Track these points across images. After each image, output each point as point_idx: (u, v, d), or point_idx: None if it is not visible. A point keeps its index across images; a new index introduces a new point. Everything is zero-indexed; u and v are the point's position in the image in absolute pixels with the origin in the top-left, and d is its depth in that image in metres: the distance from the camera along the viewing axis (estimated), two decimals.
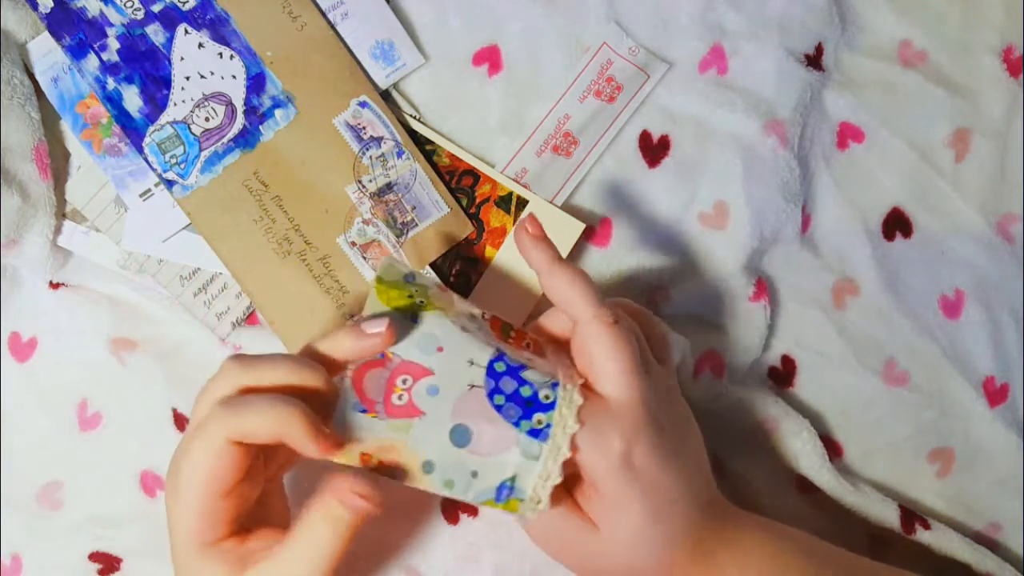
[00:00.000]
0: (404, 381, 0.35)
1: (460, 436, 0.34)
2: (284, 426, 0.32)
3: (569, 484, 0.37)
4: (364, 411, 0.34)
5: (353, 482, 0.33)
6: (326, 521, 0.33)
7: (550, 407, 0.34)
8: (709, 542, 0.38)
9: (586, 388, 0.36)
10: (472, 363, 0.35)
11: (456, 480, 0.34)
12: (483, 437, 0.34)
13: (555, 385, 0.35)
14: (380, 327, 0.35)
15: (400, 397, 0.35)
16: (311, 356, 0.36)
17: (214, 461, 0.33)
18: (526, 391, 0.35)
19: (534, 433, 0.34)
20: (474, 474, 0.34)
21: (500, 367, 0.35)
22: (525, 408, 0.35)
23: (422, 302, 0.37)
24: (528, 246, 0.38)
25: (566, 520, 0.36)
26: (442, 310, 0.37)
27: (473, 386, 0.35)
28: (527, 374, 0.35)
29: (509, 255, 0.46)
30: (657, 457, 0.35)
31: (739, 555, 0.38)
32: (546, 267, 0.37)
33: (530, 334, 0.39)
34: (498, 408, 0.35)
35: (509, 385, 0.35)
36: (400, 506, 0.47)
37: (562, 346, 0.39)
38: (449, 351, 0.36)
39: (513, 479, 0.34)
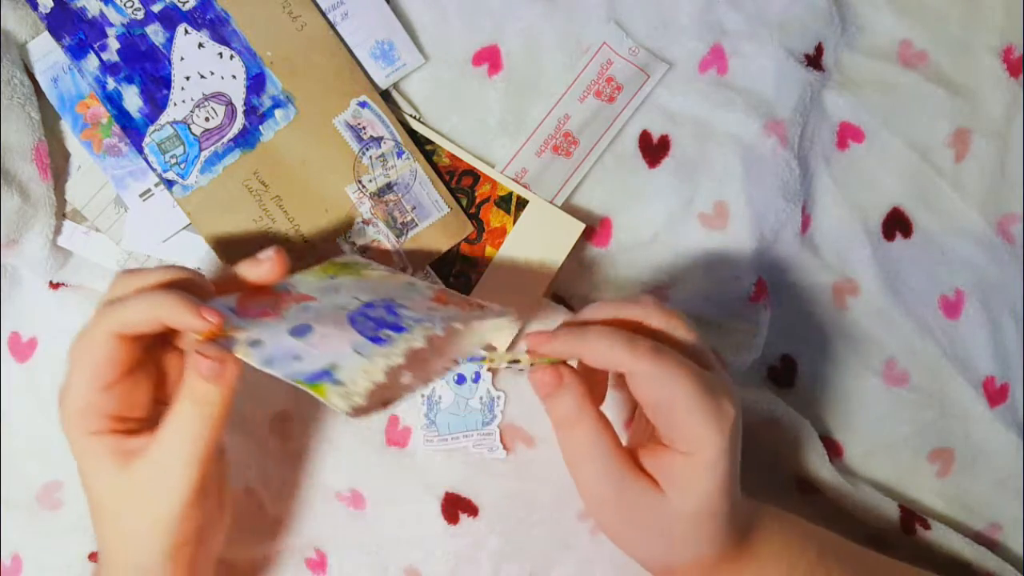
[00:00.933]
0: (288, 302, 0.36)
1: (299, 331, 0.34)
2: (160, 308, 0.34)
3: (636, 454, 0.37)
4: (233, 310, 0.35)
5: (201, 355, 0.34)
6: (191, 403, 0.34)
7: (403, 329, 0.34)
8: (748, 532, 0.38)
9: (663, 349, 0.35)
10: (356, 299, 0.36)
11: (276, 359, 0.33)
12: (322, 335, 0.34)
13: (423, 321, 0.35)
14: (271, 253, 0.37)
15: (273, 309, 0.36)
16: (217, 285, 0.38)
17: (93, 352, 0.35)
18: (390, 318, 0.35)
19: (375, 340, 0.33)
20: (297, 358, 0.33)
21: (380, 304, 0.36)
22: (378, 325, 0.34)
23: (351, 272, 0.39)
24: (549, 352, 0.37)
25: (632, 481, 0.36)
26: (364, 278, 0.38)
27: (343, 309, 0.35)
28: (403, 310, 0.35)
29: (509, 255, 0.46)
30: (740, 431, 0.36)
31: (775, 544, 0.39)
32: (576, 348, 0.36)
33: (476, 302, 0.39)
34: (352, 321, 0.34)
35: (377, 312, 0.35)
36: (400, 506, 0.47)
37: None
38: (343, 294, 0.37)
39: (333, 367, 0.32)
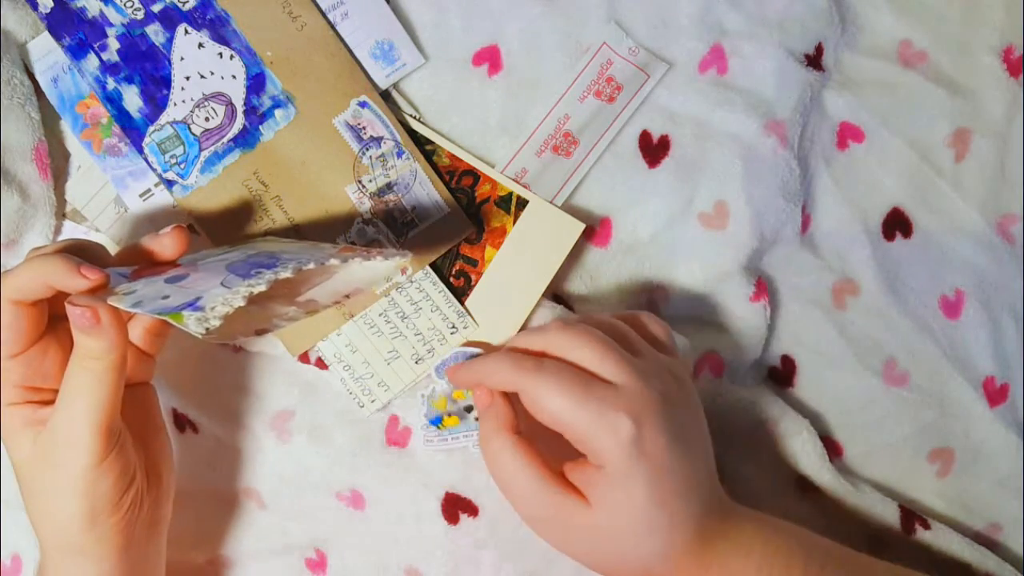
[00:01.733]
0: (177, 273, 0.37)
1: (174, 279, 0.35)
2: (44, 270, 0.34)
3: (566, 471, 0.38)
4: (125, 278, 0.36)
5: (72, 305, 0.34)
6: (78, 362, 0.35)
7: (272, 266, 0.34)
8: (710, 534, 0.38)
9: (544, 361, 0.37)
10: (245, 253, 0.37)
11: (145, 300, 0.33)
12: (193, 278, 0.34)
13: (299, 258, 0.35)
14: (169, 229, 0.38)
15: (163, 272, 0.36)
16: (119, 257, 0.38)
17: None
18: (268, 261, 0.35)
19: (245, 276, 0.34)
20: (165, 297, 0.33)
21: (265, 257, 0.36)
22: (253, 267, 0.35)
23: (253, 243, 0.40)
24: (457, 383, 0.42)
25: (560, 499, 0.37)
26: (260, 244, 0.39)
27: (226, 261, 0.36)
28: (285, 255, 0.36)
29: (509, 255, 0.46)
30: (665, 440, 0.36)
31: (741, 548, 0.39)
32: (477, 378, 0.40)
33: (377, 251, 0.39)
34: (229, 267, 0.35)
35: (258, 259, 0.36)
36: (400, 506, 0.47)
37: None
38: (236, 252, 0.37)
39: (197, 299, 0.33)
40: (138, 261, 0.38)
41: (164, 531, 0.42)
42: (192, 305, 0.32)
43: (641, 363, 0.38)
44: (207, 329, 0.31)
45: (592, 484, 0.37)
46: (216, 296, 0.32)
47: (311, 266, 0.35)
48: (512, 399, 0.40)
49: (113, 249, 0.46)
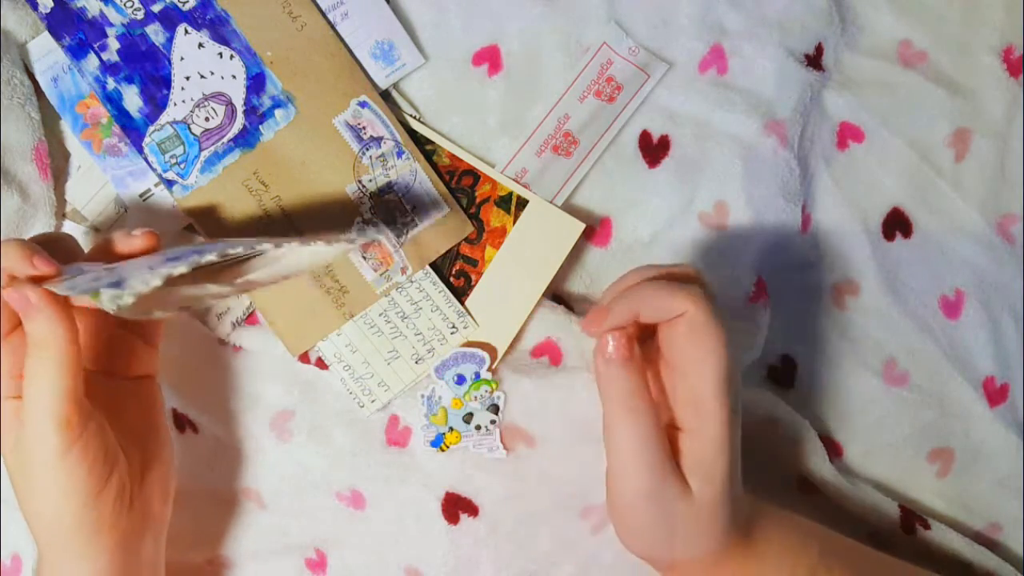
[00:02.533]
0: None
1: (112, 270, 0.35)
2: (3, 255, 0.34)
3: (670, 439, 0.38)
4: (82, 273, 0.36)
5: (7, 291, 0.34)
6: (32, 351, 0.34)
7: (206, 252, 0.35)
8: (747, 526, 0.39)
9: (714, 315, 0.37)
10: (191, 247, 0.37)
11: (78, 285, 0.33)
12: (131, 263, 0.35)
13: (228, 246, 0.35)
14: (142, 231, 0.38)
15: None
16: (91, 252, 0.38)
17: None
18: (206, 248, 0.35)
19: (172, 260, 0.34)
20: (96, 279, 0.33)
21: (209, 246, 0.36)
22: (190, 252, 0.35)
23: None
24: (611, 325, 0.38)
25: (668, 470, 0.37)
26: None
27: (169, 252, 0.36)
28: (221, 243, 0.36)
29: (509, 255, 0.46)
30: (737, 415, 0.38)
31: (777, 545, 0.40)
32: (631, 308, 0.38)
33: (321, 237, 0.39)
34: (165, 256, 0.35)
35: (198, 247, 0.36)
36: (400, 506, 0.47)
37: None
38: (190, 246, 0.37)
39: (120, 280, 0.33)
40: (108, 258, 0.38)
41: (163, 531, 0.42)
42: (116, 284, 0.32)
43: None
44: (118, 306, 0.32)
45: (687, 455, 0.37)
46: (138, 277, 0.33)
47: (238, 250, 0.35)
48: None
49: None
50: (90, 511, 0.36)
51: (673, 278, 0.39)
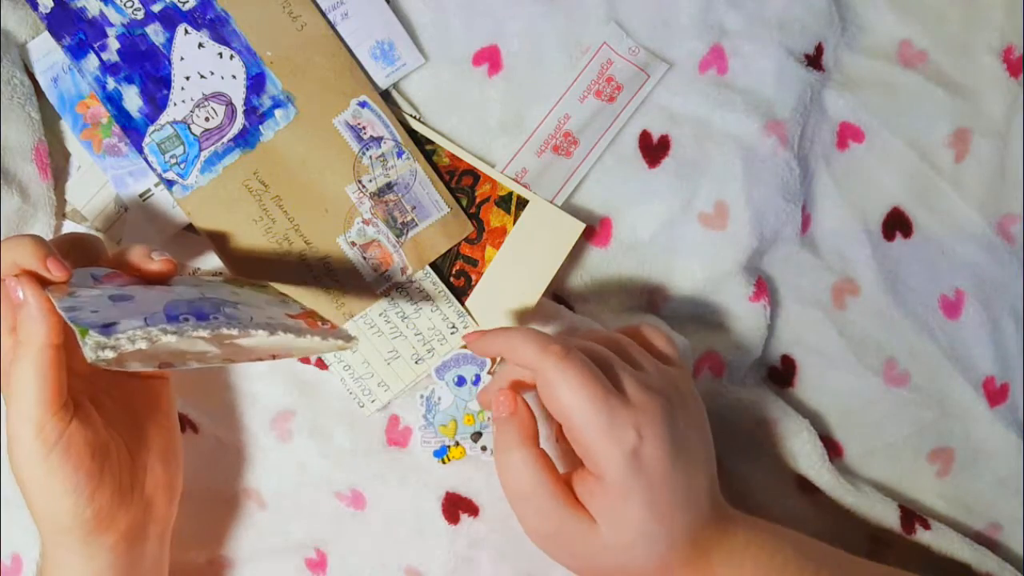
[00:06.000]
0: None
1: (118, 298, 0.35)
2: (15, 250, 0.34)
3: (571, 481, 0.37)
4: (94, 280, 0.36)
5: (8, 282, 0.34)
6: (19, 352, 0.34)
7: (206, 318, 0.34)
8: (705, 544, 0.38)
9: (572, 353, 0.36)
10: (201, 293, 0.37)
11: (77, 307, 0.33)
12: (134, 300, 0.34)
13: (240, 322, 0.35)
14: (161, 257, 0.38)
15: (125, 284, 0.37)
16: (114, 257, 0.38)
17: None
18: (206, 310, 0.35)
19: (172, 318, 0.34)
20: (94, 311, 0.33)
21: (214, 303, 0.36)
22: (188, 313, 0.35)
23: (232, 286, 0.40)
24: (479, 351, 0.41)
25: (568, 515, 0.36)
26: (234, 290, 0.40)
27: (173, 295, 0.36)
28: (227, 308, 0.36)
29: (509, 255, 0.46)
30: (666, 455, 0.36)
31: (735, 554, 0.38)
32: (501, 346, 0.39)
33: (338, 330, 0.39)
34: (167, 304, 0.35)
35: (200, 305, 0.36)
36: (400, 506, 0.47)
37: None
38: (198, 290, 0.38)
39: (113, 324, 0.32)
40: (123, 268, 0.38)
41: (167, 530, 0.42)
42: (105, 328, 0.32)
43: (644, 376, 0.38)
44: (98, 357, 0.31)
45: (592, 495, 0.36)
46: (128, 330, 0.32)
47: (233, 331, 0.34)
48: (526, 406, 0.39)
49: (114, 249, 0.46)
50: (84, 509, 0.36)
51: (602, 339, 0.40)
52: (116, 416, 0.39)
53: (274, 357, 0.37)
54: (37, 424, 0.35)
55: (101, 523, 0.37)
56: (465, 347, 0.45)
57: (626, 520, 0.36)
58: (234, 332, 0.34)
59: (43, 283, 0.35)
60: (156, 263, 0.38)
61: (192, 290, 0.38)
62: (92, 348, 0.31)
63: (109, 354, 0.31)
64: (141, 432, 0.40)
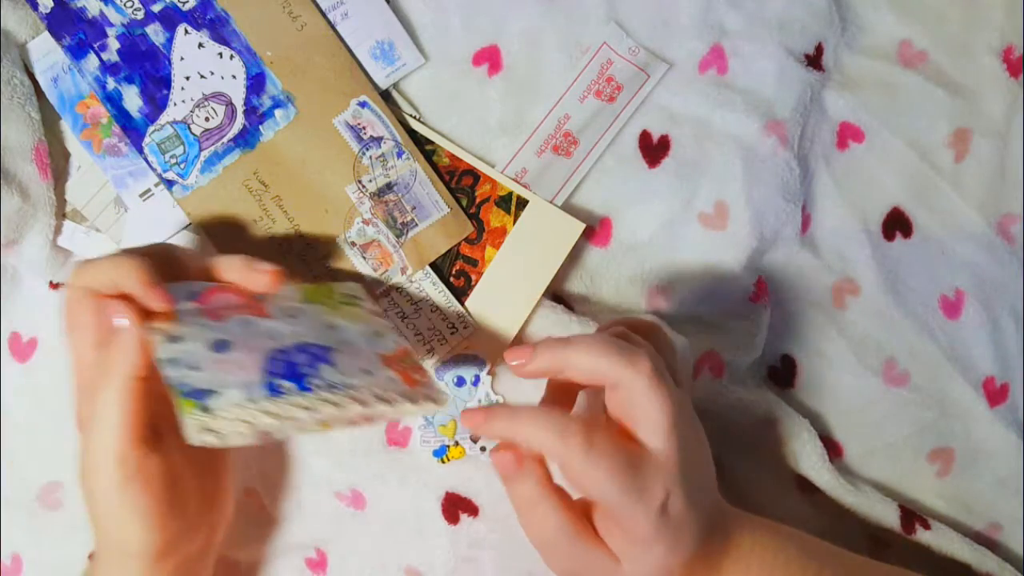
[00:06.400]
0: (243, 311, 0.37)
1: (220, 345, 0.34)
2: (119, 271, 0.34)
3: (590, 514, 0.37)
4: (195, 299, 0.36)
5: (110, 305, 0.34)
6: (104, 380, 0.34)
7: (307, 389, 0.34)
8: (714, 553, 0.38)
9: (595, 440, 0.34)
10: (297, 335, 0.36)
11: (180, 360, 0.33)
12: (233, 358, 0.34)
13: (333, 388, 0.34)
14: (269, 268, 0.37)
15: (225, 312, 0.36)
16: (206, 268, 0.38)
17: (72, 307, 0.35)
18: (305, 370, 0.35)
19: (271, 387, 0.33)
20: (194, 367, 0.33)
21: (312, 351, 0.36)
22: (288, 372, 0.34)
23: (328, 304, 0.40)
24: (532, 371, 0.36)
25: (593, 555, 0.36)
26: (332, 312, 0.39)
27: (274, 341, 0.36)
28: (325, 368, 0.35)
29: (509, 255, 0.46)
30: (687, 501, 0.35)
31: (741, 559, 0.39)
32: (560, 362, 0.36)
33: (426, 378, 0.38)
34: (270, 359, 0.34)
35: (299, 358, 0.35)
36: (400, 506, 0.47)
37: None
38: (295, 323, 0.37)
39: (211, 392, 0.32)
40: (219, 279, 0.38)
41: (216, 553, 0.41)
42: (203, 397, 0.32)
43: (681, 424, 0.36)
44: (201, 440, 0.31)
45: (616, 538, 0.36)
46: (229, 404, 0.32)
47: (330, 409, 0.34)
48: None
49: (114, 249, 0.46)
50: (155, 537, 0.36)
51: (633, 328, 0.38)
52: (185, 443, 0.38)
53: (368, 421, 0.36)
54: (119, 455, 0.34)
55: (168, 550, 0.37)
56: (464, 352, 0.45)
57: (649, 561, 0.36)
58: (331, 410, 0.34)
59: (143, 310, 0.34)
60: (262, 276, 0.37)
61: (287, 325, 0.37)
62: (195, 430, 0.31)
63: (211, 439, 0.31)
64: (207, 458, 0.39)
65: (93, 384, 0.35)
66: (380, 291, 0.46)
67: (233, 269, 0.38)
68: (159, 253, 0.37)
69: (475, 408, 0.36)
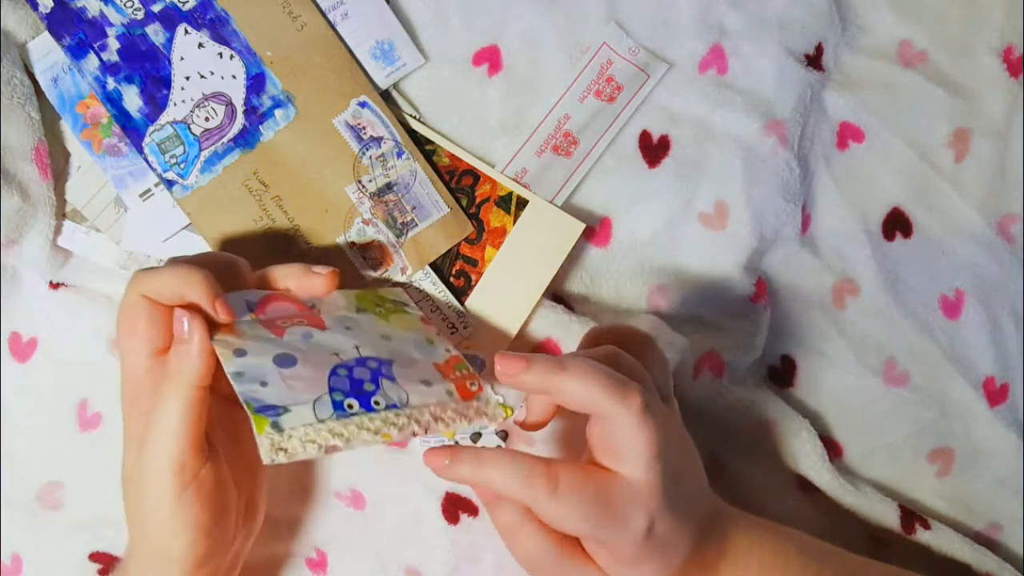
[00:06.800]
0: (300, 320, 0.37)
1: (284, 360, 0.35)
2: (184, 282, 0.34)
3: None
4: (251, 309, 0.36)
5: (179, 316, 0.34)
6: (166, 391, 0.34)
7: (370, 409, 0.35)
8: (711, 556, 0.38)
9: (558, 479, 0.34)
10: (357, 348, 0.37)
11: (246, 374, 0.33)
12: (299, 373, 0.34)
13: (394, 409, 0.35)
14: (325, 270, 0.38)
15: (284, 323, 0.37)
16: (261, 276, 0.38)
17: (132, 314, 0.35)
18: (369, 387, 0.35)
19: (337, 405, 0.34)
20: (263, 383, 0.33)
21: (372, 365, 0.36)
22: (352, 389, 0.35)
23: (380, 312, 0.40)
24: (521, 384, 0.35)
25: (579, 572, 0.36)
26: (386, 323, 0.40)
27: (336, 355, 0.36)
28: (387, 383, 0.36)
29: (509, 255, 0.46)
30: (673, 521, 0.35)
31: (739, 560, 0.38)
32: (550, 384, 0.35)
33: (478, 382, 0.38)
34: (333, 373, 0.35)
35: (362, 373, 0.36)
36: (400, 506, 0.47)
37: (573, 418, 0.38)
38: (352, 335, 0.37)
39: (285, 409, 0.33)
40: (275, 287, 0.38)
41: (240, 567, 0.42)
42: (276, 413, 0.32)
43: (660, 451, 0.35)
44: (271, 460, 0.32)
45: (603, 558, 0.36)
46: (300, 422, 0.33)
47: (392, 431, 0.34)
48: None
49: (114, 249, 0.46)
50: (200, 545, 0.36)
51: (625, 340, 0.38)
52: (235, 451, 0.38)
53: (425, 433, 0.36)
54: (179, 463, 0.34)
55: (207, 558, 0.37)
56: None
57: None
58: (394, 431, 0.34)
59: (209, 321, 0.34)
60: (317, 279, 0.38)
61: (346, 337, 0.38)
62: (270, 448, 0.32)
63: (281, 458, 0.32)
64: (247, 469, 0.39)
65: (149, 391, 0.35)
66: (383, 290, 0.46)
67: (291, 276, 0.38)
68: (217, 262, 0.37)
69: (438, 448, 0.35)
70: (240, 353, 0.34)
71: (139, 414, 0.36)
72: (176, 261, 0.36)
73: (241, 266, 0.38)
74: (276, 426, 0.32)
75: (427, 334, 0.41)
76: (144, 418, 0.35)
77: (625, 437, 0.34)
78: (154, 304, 0.35)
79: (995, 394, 0.50)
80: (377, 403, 0.35)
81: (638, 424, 0.34)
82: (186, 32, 0.45)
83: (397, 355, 0.38)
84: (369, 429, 0.34)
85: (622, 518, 0.34)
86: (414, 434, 0.35)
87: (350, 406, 0.34)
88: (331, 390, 0.34)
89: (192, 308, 0.34)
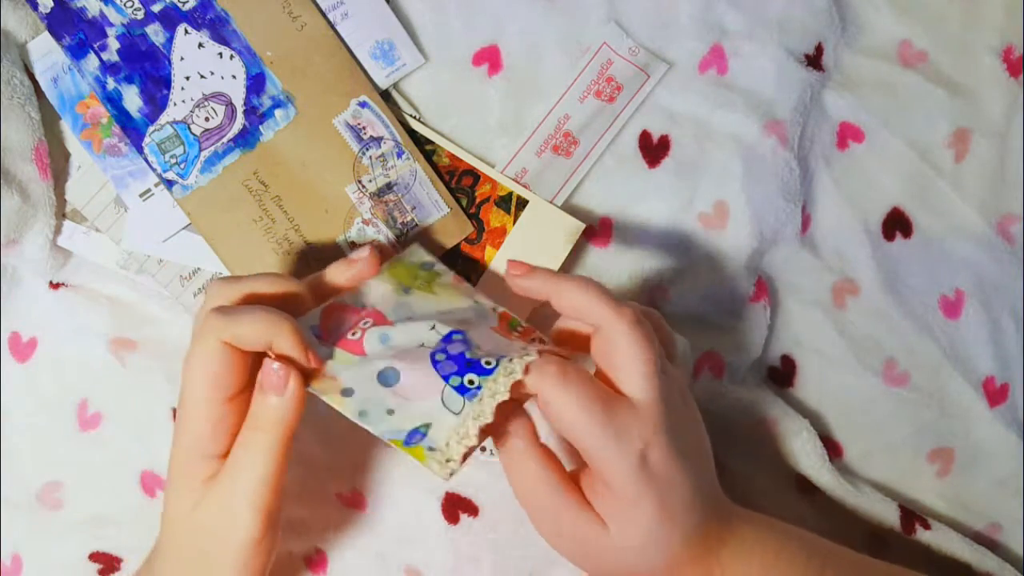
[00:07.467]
0: (364, 322, 0.36)
1: (387, 376, 0.34)
2: (273, 332, 0.33)
3: (578, 480, 0.37)
4: (318, 334, 0.36)
5: (270, 365, 0.34)
6: (252, 439, 0.34)
7: (487, 372, 0.34)
8: (712, 540, 0.38)
9: (568, 371, 0.35)
10: (433, 328, 0.36)
11: (371, 412, 0.33)
12: (409, 381, 0.34)
13: (502, 358, 0.35)
14: (364, 252, 0.38)
15: (354, 334, 0.36)
16: (311, 289, 0.38)
17: (212, 360, 0.34)
18: (471, 354, 0.35)
19: (462, 390, 0.34)
20: (390, 412, 0.33)
21: (457, 337, 0.36)
22: (462, 366, 0.34)
23: (422, 284, 0.39)
24: (524, 286, 0.38)
25: (578, 516, 0.36)
26: (435, 296, 0.39)
27: (423, 345, 0.35)
28: (476, 350, 0.35)
29: (509, 255, 0.46)
30: (671, 457, 0.36)
31: (742, 552, 0.38)
32: (551, 288, 0.37)
33: (538, 333, 0.39)
34: (435, 363, 0.35)
35: (456, 348, 0.35)
36: (400, 506, 0.47)
37: (583, 346, 0.39)
38: (417, 319, 0.37)
39: (427, 427, 0.33)
40: (322, 293, 0.38)
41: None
42: (423, 436, 0.32)
43: (665, 380, 0.37)
44: (451, 473, 0.32)
45: (601, 498, 0.36)
46: (447, 428, 0.33)
47: (520, 375, 0.34)
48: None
49: (114, 249, 0.46)
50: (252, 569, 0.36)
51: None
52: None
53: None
54: (261, 509, 0.34)
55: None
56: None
57: (636, 524, 0.35)
58: (516, 374, 0.34)
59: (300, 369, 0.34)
60: (361, 264, 0.38)
61: (416, 325, 0.37)
62: (441, 468, 0.32)
63: (453, 466, 0.32)
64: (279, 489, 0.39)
65: (220, 438, 0.35)
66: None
67: (338, 275, 0.38)
68: (283, 297, 0.36)
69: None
70: (348, 393, 0.34)
71: (201, 458, 0.35)
72: (252, 307, 0.35)
73: (301, 294, 0.37)
74: (432, 449, 0.32)
75: (472, 297, 0.40)
76: (211, 463, 0.35)
77: (620, 346, 0.35)
78: (234, 351, 0.34)
79: (995, 394, 0.50)
80: (489, 363, 0.34)
81: (631, 331, 0.35)
82: (186, 32, 0.45)
83: (464, 324, 0.37)
84: (499, 391, 0.34)
85: (617, 430, 0.34)
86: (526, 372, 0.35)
87: (471, 382, 0.34)
88: (445, 378, 0.34)
89: (290, 362, 0.34)
